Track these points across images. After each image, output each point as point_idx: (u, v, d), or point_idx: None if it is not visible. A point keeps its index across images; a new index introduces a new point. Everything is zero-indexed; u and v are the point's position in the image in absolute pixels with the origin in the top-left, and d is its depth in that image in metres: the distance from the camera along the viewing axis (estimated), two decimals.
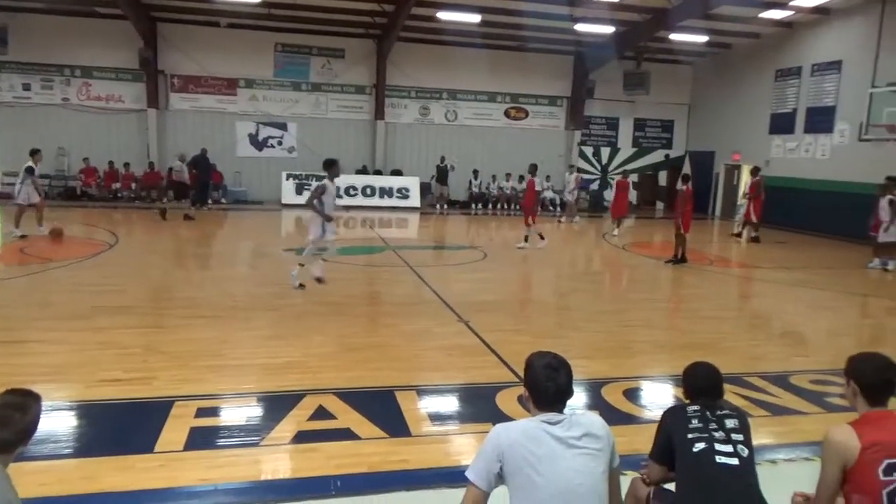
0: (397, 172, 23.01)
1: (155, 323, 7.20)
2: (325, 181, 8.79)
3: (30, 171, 12.66)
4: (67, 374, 5.32)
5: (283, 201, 20.73)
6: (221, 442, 4.21)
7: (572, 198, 20.56)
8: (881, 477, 2.46)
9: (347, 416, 4.64)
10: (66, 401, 4.78)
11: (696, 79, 25.45)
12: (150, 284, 9.40)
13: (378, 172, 22.82)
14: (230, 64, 21.69)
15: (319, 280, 8.84)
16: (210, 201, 19.64)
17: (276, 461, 4.03)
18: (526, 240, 13.89)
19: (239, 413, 4.73)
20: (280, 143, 22.70)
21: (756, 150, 21.48)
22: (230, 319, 7.26)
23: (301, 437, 4.31)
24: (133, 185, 20.77)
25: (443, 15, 18.80)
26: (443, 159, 22.30)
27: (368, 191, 21.75)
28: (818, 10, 18.15)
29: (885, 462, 2.47)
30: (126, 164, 20.79)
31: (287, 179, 21.23)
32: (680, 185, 12.88)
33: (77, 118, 20.94)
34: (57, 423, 4.41)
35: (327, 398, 4.95)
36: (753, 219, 16.51)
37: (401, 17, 18.95)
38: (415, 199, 22.04)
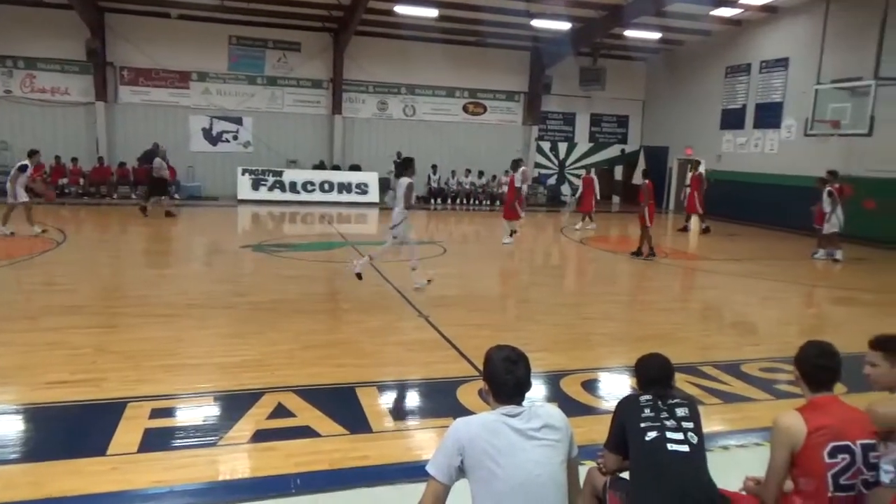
0: (356, 168, 22.85)
1: (106, 322, 7.00)
2: (411, 179, 8.90)
3: (22, 169, 12.63)
4: (13, 377, 5.13)
5: (240, 197, 20.36)
6: (177, 443, 4.12)
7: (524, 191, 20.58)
8: (826, 460, 2.56)
9: (307, 414, 4.60)
10: (11, 404, 4.62)
11: (650, 75, 25.93)
12: (101, 283, 9.13)
13: (336, 168, 22.63)
14: (182, 57, 21.18)
15: (360, 276, 9.00)
16: (168, 197, 19.21)
17: (235, 461, 3.96)
18: (512, 234, 14.04)
19: (195, 413, 4.64)
20: (235, 138, 22.29)
21: (708, 145, 22.04)
22: (185, 318, 7.10)
23: (260, 436, 4.25)
24: (81, 181, 20.11)
25: (400, 9, 18.71)
26: (399, 154, 22.16)
27: (326, 186, 21.52)
28: (766, 8, 18.67)
29: (830, 445, 2.57)
30: (74, 160, 20.10)
31: (243, 175, 20.82)
32: (641, 180, 13.13)
33: (20, 111, 20.18)
34: (2, 427, 4.25)
35: (286, 396, 4.90)
36: (699, 210, 17.11)
37: (358, 10, 18.79)
38: (374, 195, 21.91)
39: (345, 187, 21.71)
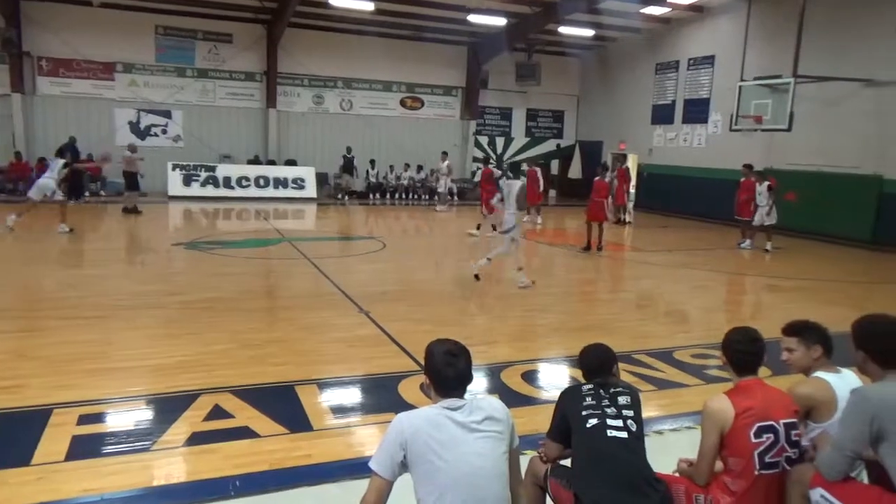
0: (292, 163, 22.44)
1: (27, 327, 6.64)
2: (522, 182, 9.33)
3: (66, 166, 13.23)
4: None
5: (170, 193, 19.67)
6: (108, 449, 3.96)
7: (444, 186, 20.72)
8: (752, 439, 2.69)
9: (245, 414, 4.50)
10: None
11: (584, 71, 26.47)
12: (20, 284, 8.65)
13: (272, 162, 22.16)
14: (106, 47, 20.25)
15: (478, 277, 9.26)
16: (87, 193, 18.40)
17: (170, 465, 3.84)
18: (493, 228, 14.24)
19: (127, 418, 4.47)
20: (164, 132, 21.51)
21: (640, 140, 22.71)
22: (114, 319, 6.82)
23: (196, 439, 4.13)
24: None
25: (335, 1, 18.44)
26: (349, 150, 21.95)
27: (262, 181, 21.03)
28: (693, 7, 19.34)
29: (756, 426, 2.69)
30: None
31: (174, 170, 20.10)
32: (604, 174, 13.47)
33: None
34: None
35: (223, 397, 4.78)
36: (625, 202, 17.98)
37: (291, 2, 18.43)
38: (311, 190, 21.58)
39: (281, 182, 21.29)
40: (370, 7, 18.88)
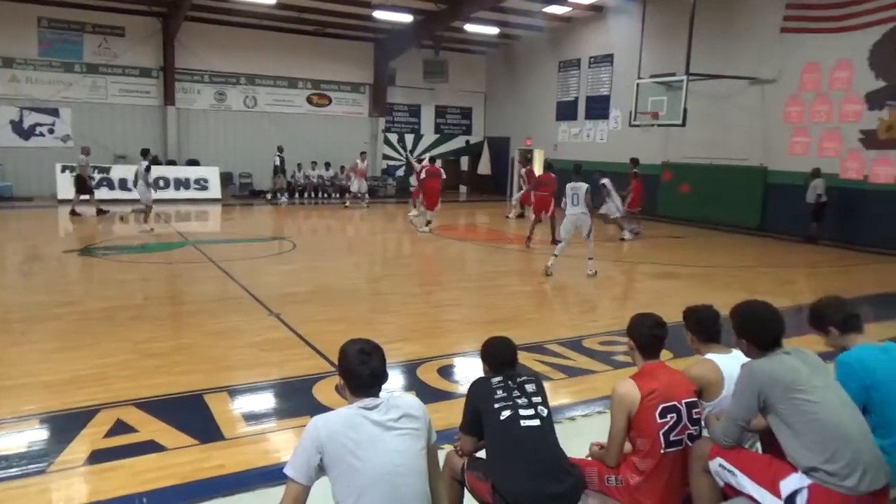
0: (194, 162, 21.53)
1: None
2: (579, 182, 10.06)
3: (148, 169, 13.92)
4: None
5: (60, 197, 18.38)
6: None
7: (358, 185, 20.56)
8: (658, 420, 2.82)
9: (151, 427, 4.29)
10: None
11: (490, 68, 26.90)
12: None
13: (172, 163, 21.15)
14: None
15: (548, 273, 9.99)
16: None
17: (70, 486, 3.61)
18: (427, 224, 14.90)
19: (18, 439, 4.16)
20: (51, 132, 20.07)
21: (545, 136, 23.34)
22: (2, 334, 6.33)
23: (98, 457, 3.90)
24: None
25: None
26: (280, 149, 21.23)
27: (162, 183, 19.93)
28: (593, 7, 20.05)
29: (661, 406, 2.83)
30: None
31: (63, 172, 18.78)
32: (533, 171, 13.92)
33: None
34: None
35: (126, 410, 4.54)
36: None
37: None
38: (215, 191, 20.79)
39: (182, 183, 20.38)
40: (272, 1, 18.40)
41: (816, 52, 14.74)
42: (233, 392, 5.04)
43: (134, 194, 19.21)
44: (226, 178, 21.67)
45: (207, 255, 10.99)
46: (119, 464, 3.83)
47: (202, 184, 20.72)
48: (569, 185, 10.22)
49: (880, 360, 2.97)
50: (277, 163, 20.71)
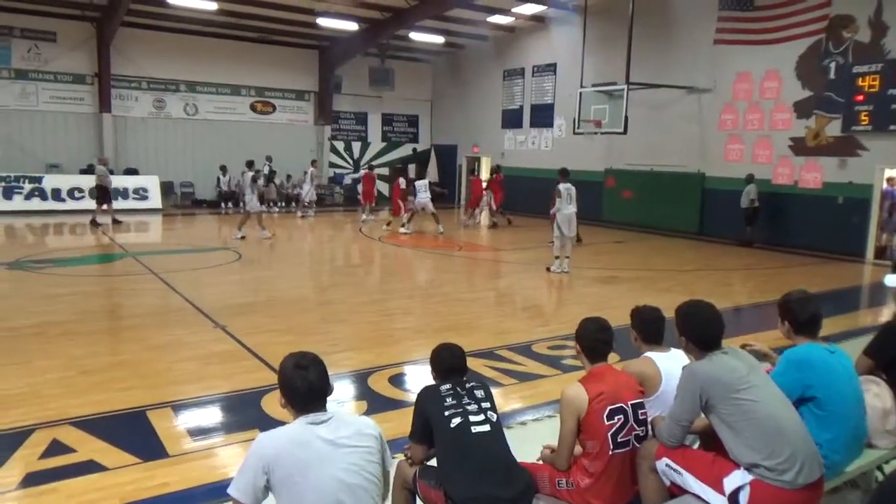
0: (132, 171, 20.86)
1: None
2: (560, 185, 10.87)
3: (255, 179, 14.57)
4: None
5: None
6: None
7: (306, 192, 20.38)
8: (605, 421, 2.87)
9: (89, 447, 4.12)
10: None
11: (436, 76, 27.03)
12: None
13: (109, 172, 20.38)
14: None
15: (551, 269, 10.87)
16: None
17: None
18: (403, 225, 15.87)
19: None
20: None
21: (492, 143, 23.60)
22: None
23: (32, 479, 3.72)
24: None
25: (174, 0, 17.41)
26: (269, 158, 20.73)
27: (98, 192, 19.31)
28: (535, 18, 20.41)
29: (608, 408, 2.88)
30: None
31: None
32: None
33: None
34: None
35: (62, 430, 4.35)
36: (493, 206, 18.48)
37: None
38: (155, 200, 20.18)
39: (120, 193, 19.64)
40: (213, 7, 18.04)
41: (747, 63, 15.37)
42: (177, 407, 4.89)
43: (68, 205, 18.69)
44: (167, 188, 21.07)
45: (148, 267, 10.65)
46: (56, 486, 3.66)
47: (141, 193, 20.10)
48: (563, 186, 10.75)
49: (826, 360, 3.11)
50: (266, 172, 20.32)
